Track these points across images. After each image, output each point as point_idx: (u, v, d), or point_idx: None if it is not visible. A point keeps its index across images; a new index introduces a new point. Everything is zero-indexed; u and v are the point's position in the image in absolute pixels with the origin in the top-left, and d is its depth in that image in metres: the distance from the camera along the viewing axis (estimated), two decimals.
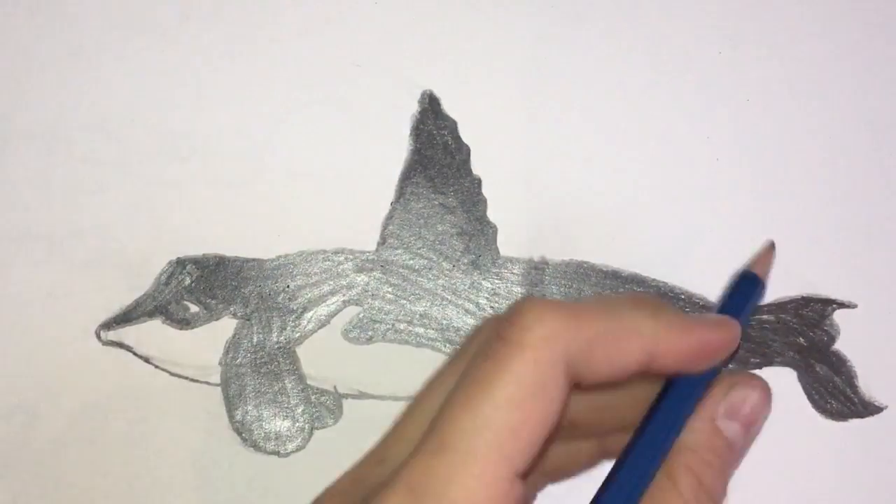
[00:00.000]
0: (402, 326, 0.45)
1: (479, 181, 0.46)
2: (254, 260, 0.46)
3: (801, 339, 0.45)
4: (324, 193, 0.47)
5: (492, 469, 0.21)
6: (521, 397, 0.22)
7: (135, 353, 0.45)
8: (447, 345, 0.45)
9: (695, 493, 0.24)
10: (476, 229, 0.46)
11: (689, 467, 0.24)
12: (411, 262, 0.46)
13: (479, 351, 0.23)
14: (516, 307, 0.23)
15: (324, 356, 0.45)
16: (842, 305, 0.45)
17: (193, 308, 0.45)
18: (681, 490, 0.24)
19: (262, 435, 0.44)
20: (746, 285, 0.27)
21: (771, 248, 0.29)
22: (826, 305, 0.45)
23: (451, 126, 0.46)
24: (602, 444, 0.28)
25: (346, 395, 0.45)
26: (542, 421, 0.22)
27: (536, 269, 0.46)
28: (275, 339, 0.45)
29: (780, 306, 0.45)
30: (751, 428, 0.25)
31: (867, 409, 0.44)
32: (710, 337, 0.25)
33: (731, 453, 0.25)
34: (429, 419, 0.23)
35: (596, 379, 0.23)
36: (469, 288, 0.46)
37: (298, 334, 0.45)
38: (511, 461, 0.22)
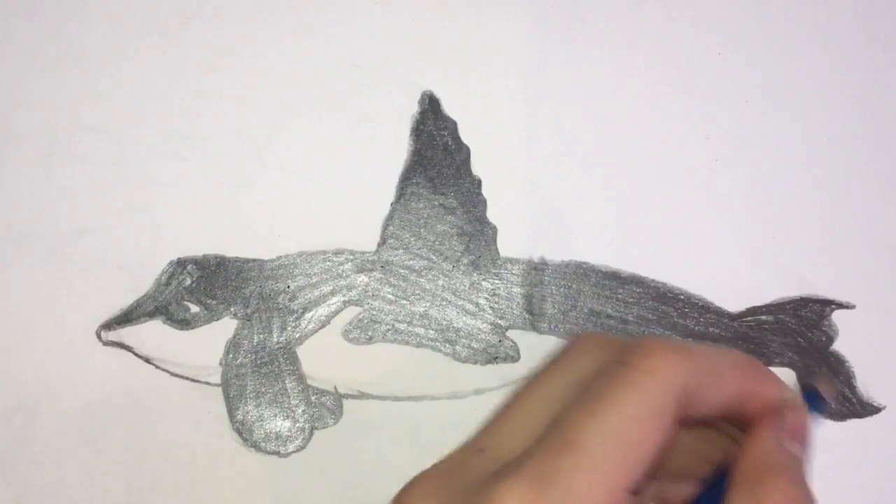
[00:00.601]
0: (402, 327, 0.45)
1: (479, 182, 0.46)
2: (254, 260, 0.46)
3: (800, 340, 0.45)
4: (324, 194, 0.47)
5: (614, 475, 0.23)
6: (645, 416, 0.24)
7: (135, 354, 0.45)
8: (447, 345, 0.45)
9: None
10: (476, 230, 0.46)
11: (775, 491, 0.25)
12: (411, 262, 0.46)
13: (603, 371, 0.25)
14: (641, 341, 0.25)
15: (324, 356, 0.45)
16: (840, 306, 0.45)
17: (194, 308, 0.45)
18: None
19: (263, 435, 0.44)
20: (812, 398, 0.30)
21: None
22: (824, 306, 0.45)
23: (451, 127, 0.46)
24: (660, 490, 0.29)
25: (347, 396, 0.45)
26: (658, 443, 0.24)
27: (536, 270, 0.46)
28: (275, 340, 0.45)
29: (778, 307, 0.45)
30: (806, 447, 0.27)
31: (865, 409, 0.44)
32: (791, 394, 0.27)
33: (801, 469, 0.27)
34: (535, 417, 0.25)
35: (696, 412, 0.25)
36: (469, 288, 0.46)
37: (299, 335, 0.45)
38: (630, 473, 0.23)
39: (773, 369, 0.43)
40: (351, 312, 0.46)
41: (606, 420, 0.23)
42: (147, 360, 0.45)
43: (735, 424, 0.28)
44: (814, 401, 0.29)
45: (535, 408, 0.25)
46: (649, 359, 0.25)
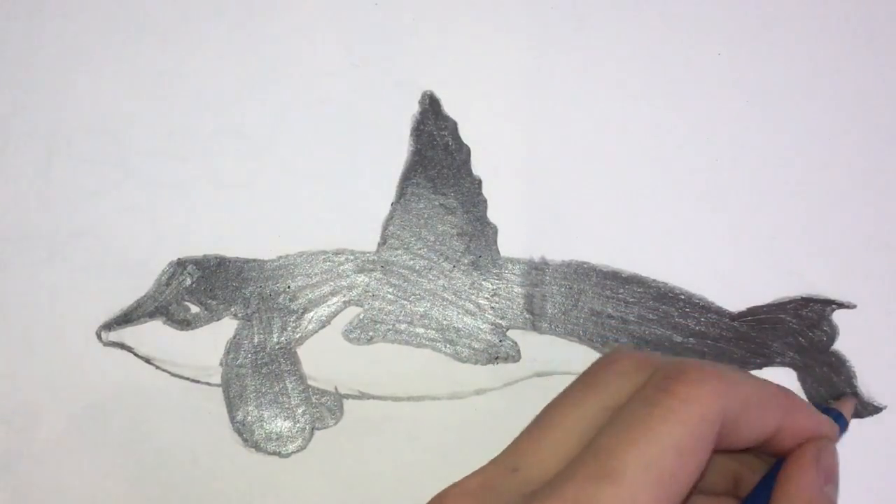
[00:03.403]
0: (402, 327, 0.45)
1: (480, 182, 0.46)
2: (254, 261, 0.46)
3: (801, 340, 0.45)
4: (324, 194, 0.46)
5: None
6: (684, 447, 0.23)
7: (135, 354, 0.45)
8: (448, 345, 0.45)
9: None
10: (476, 230, 0.46)
11: None
12: (412, 262, 0.46)
13: (643, 397, 0.25)
14: (681, 363, 0.25)
15: (324, 357, 0.45)
16: (841, 306, 0.45)
17: (194, 309, 0.45)
18: None
19: (263, 435, 0.44)
20: (836, 417, 0.31)
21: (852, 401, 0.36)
22: (825, 306, 0.45)
23: (452, 127, 0.46)
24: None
25: (347, 396, 0.45)
26: (695, 472, 0.24)
27: (537, 270, 0.45)
28: (275, 340, 0.45)
29: (779, 307, 0.45)
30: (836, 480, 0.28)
31: (866, 409, 0.44)
32: (827, 425, 0.28)
33: None
34: (569, 439, 0.25)
35: (733, 443, 0.26)
36: (469, 288, 0.46)
37: (299, 335, 0.45)
38: (668, 502, 0.23)
39: (774, 369, 0.44)
40: (351, 312, 0.46)
41: (647, 450, 0.23)
42: (147, 361, 0.45)
43: (765, 451, 0.28)
44: (840, 424, 0.31)
45: (569, 429, 0.25)
46: (690, 388, 0.24)
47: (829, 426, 0.28)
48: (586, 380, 0.27)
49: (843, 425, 0.32)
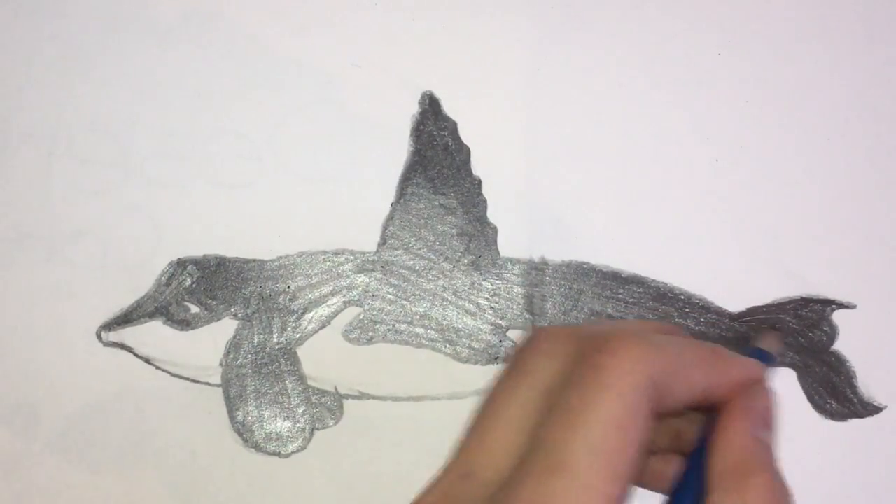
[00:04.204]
0: (402, 327, 0.45)
1: (480, 182, 0.46)
2: (254, 261, 0.46)
3: (801, 340, 0.45)
4: (324, 194, 0.46)
5: (607, 489, 0.23)
6: (625, 420, 0.23)
7: (136, 355, 0.45)
8: (448, 345, 0.45)
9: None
10: (476, 230, 0.45)
11: (757, 488, 0.25)
12: (412, 262, 0.46)
13: (574, 376, 0.24)
14: (602, 335, 0.25)
15: (324, 357, 0.45)
16: (841, 306, 0.45)
17: (194, 309, 0.45)
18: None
19: (263, 435, 0.44)
20: (760, 357, 0.30)
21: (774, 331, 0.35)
22: (825, 306, 0.45)
23: (452, 127, 0.46)
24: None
25: (347, 396, 0.45)
26: (640, 442, 0.24)
27: (537, 270, 0.45)
28: (275, 340, 0.45)
29: (779, 307, 0.45)
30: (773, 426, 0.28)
31: (866, 409, 0.44)
32: (752, 368, 0.28)
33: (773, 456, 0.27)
34: (513, 434, 0.25)
35: (669, 406, 0.25)
36: (469, 288, 0.45)
37: (299, 335, 0.45)
38: (620, 480, 0.23)
39: (774, 369, 0.44)
40: (351, 313, 0.46)
41: (589, 435, 0.23)
42: (147, 361, 0.45)
43: (706, 409, 0.28)
44: (767, 362, 0.30)
45: (511, 422, 0.25)
46: (617, 359, 0.24)
47: (754, 368, 0.28)
48: (516, 366, 0.27)
49: (768, 361, 0.30)
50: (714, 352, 0.27)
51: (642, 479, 0.29)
